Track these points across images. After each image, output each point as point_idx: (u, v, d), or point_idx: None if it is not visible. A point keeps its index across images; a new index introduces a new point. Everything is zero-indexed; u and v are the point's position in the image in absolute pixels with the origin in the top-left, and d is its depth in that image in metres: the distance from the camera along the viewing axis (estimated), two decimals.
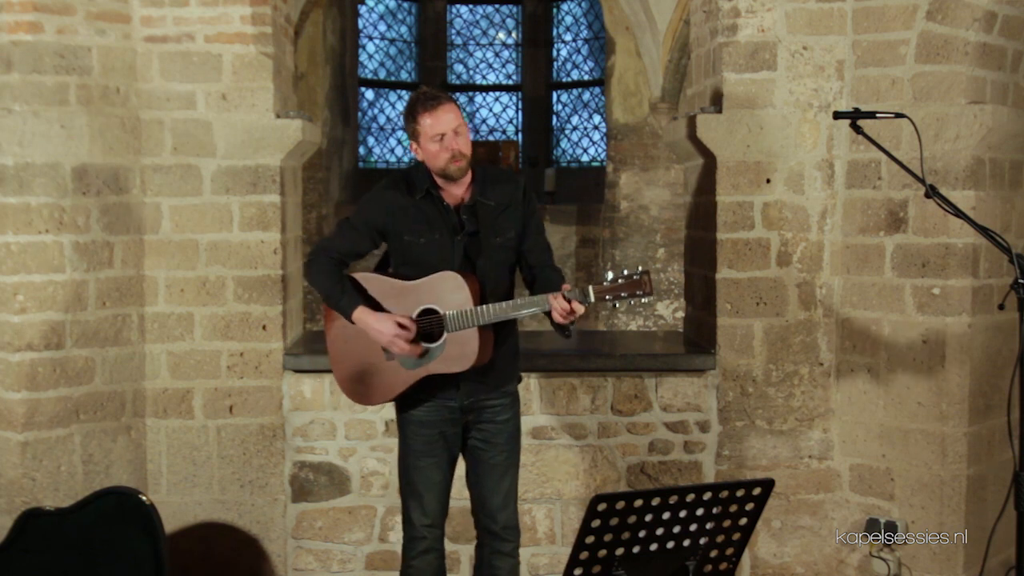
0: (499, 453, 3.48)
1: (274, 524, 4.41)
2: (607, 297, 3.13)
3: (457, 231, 3.35)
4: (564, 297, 3.15)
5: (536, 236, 3.49)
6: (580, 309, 3.16)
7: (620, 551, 2.70)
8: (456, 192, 3.37)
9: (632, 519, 2.67)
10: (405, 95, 12.88)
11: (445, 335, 3.28)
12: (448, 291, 3.27)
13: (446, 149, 3.26)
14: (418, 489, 3.44)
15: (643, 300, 3.15)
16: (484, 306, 3.23)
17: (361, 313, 3.31)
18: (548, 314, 3.24)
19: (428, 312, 3.30)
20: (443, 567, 3.55)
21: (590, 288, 3.14)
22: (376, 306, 3.36)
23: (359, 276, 3.42)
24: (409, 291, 3.33)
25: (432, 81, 12.89)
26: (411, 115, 3.32)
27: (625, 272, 3.14)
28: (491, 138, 13.31)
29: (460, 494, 3.61)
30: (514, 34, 13.42)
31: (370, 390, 3.44)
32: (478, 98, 13.55)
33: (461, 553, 4.42)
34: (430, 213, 3.35)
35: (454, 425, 3.45)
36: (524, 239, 3.45)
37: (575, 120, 13.08)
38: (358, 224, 3.43)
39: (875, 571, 4.36)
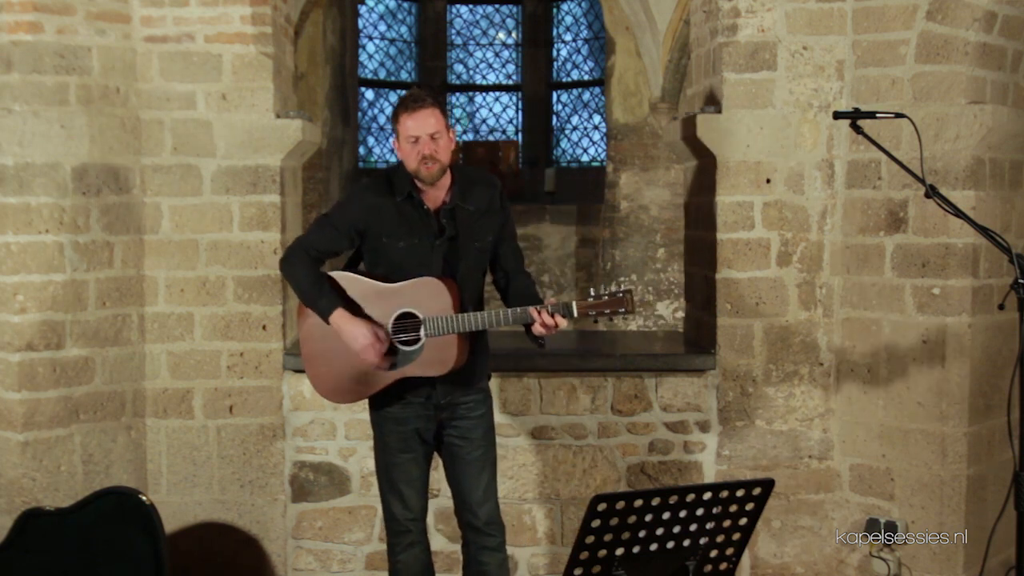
0: (476, 448, 3.49)
1: (274, 524, 4.41)
2: (590, 313, 3.25)
3: (437, 236, 3.35)
4: (548, 312, 3.22)
5: (510, 241, 3.53)
6: (563, 323, 3.25)
7: (620, 551, 2.70)
8: (436, 195, 3.37)
9: (632, 519, 2.67)
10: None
11: (423, 339, 3.28)
12: (429, 296, 3.28)
13: (418, 153, 3.26)
14: (398, 485, 3.46)
15: (623, 317, 3.29)
16: (465, 314, 3.27)
17: (339, 317, 3.29)
18: (527, 326, 3.31)
19: (406, 316, 3.30)
20: (430, 561, 3.58)
21: (573, 304, 3.25)
22: (354, 307, 3.35)
23: (337, 275, 3.41)
24: (389, 294, 3.33)
25: (432, 81, 12.89)
26: (394, 115, 3.33)
27: (611, 290, 3.25)
28: (491, 138, 13.31)
29: (448, 492, 3.61)
30: (514, 34, 13.41)
31: (345, 389, 3.43)
32: (478, 98, 13.55)
33: (461, 553, 4.41)
34: (410, 216, 3.35)
35: (429, 422, 3.46)
36: (499, 244, 3.48)
37: (575, 120, 13.08)
38: (337, 222, 3.41)
39: (875, 571, 4.36)
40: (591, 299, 3.25)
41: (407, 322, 3.30)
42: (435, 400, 3.42)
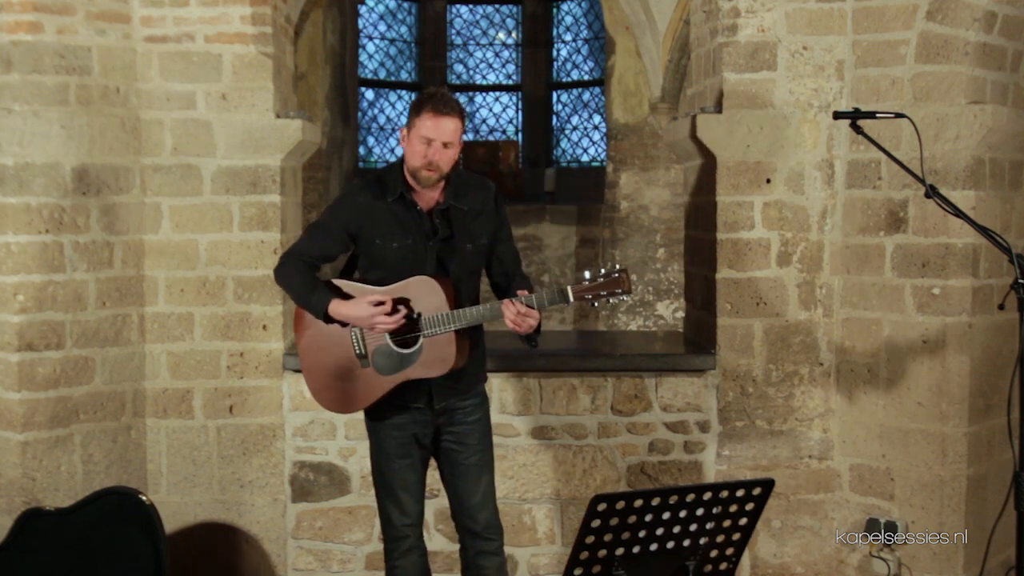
0: (473, 453, 3.46)
1: (274, 524, 4.41)
2: (587, 296, 3.12)
3: (430, 236, 3.32)
4: (523, 302, 3.14)
5: (506, 243, 3.49)
6: (537, 316, 3.16)
7: (620, 551, 2.70)
8: (429, 195, 3.33)
9: (632, 519, 2.67)
10: (405, 95, 12.89)
11: (421, 339, 3.25)
12: (423, 295, 3.24)
13: (425, 155, 3.21)
14: (395, 491, 3.44)
15: (622, 299, 3.15)
16: (462, 310, 3.22)
17: (335, 305, 3.26)
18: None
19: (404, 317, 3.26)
20: (427, 566, 3.55)
21: (568, 288, 3.14)
22: None
23: (331, 282, 3.37)
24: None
25: (432, 81, 12.89)
26: (418, 107, 3.25)
27: (603, 271, 3.13)
28: (491, 138, 13.31)
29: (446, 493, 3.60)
30: (514, 34, 13.42)
31: (347, 398, 3.39)
32: (478, 98, 13.55)
33: (459, 556, 4.41)
34: (403, 217, 3.31)
35: (426, 427, 3.43)
36: (495, 246, 3.45)
37: (575, 120, 13.08)
38: (329, 226, 3.37)
39: (875, 571, 4.36)
40: (586, 282, 3.13)
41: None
42: (433, 405, 3.39)
